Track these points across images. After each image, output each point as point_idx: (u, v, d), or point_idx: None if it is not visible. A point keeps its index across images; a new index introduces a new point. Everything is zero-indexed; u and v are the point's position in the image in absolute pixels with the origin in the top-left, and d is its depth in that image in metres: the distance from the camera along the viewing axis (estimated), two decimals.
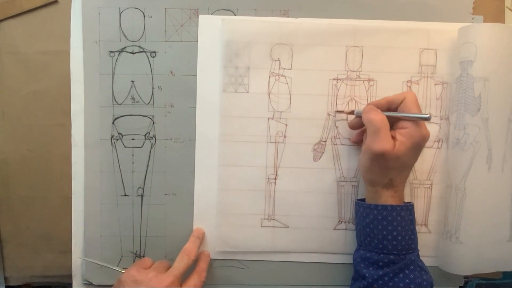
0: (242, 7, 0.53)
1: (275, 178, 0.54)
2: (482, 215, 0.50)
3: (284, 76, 0.53)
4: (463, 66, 0.50)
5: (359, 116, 0.49)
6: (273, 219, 0.54)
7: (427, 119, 0.45)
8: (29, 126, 0.55)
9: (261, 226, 0.54)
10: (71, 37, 0.54)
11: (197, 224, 0.54)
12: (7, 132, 0.55)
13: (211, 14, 0.53)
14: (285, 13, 0.53)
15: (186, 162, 0.54)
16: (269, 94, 0.53)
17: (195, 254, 0.51)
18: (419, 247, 0.48)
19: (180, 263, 0.49)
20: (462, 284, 0.55)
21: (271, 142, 0.54)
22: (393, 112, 0.47)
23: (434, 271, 0.54)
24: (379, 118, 0.45)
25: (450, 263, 0.52)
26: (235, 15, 0.53)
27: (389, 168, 0.46)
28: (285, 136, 0.54)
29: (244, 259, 0.55)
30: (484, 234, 0.50)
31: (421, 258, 0.48)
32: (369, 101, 0.53)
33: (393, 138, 0.46)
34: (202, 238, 0.54)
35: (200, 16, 0.53)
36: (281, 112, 0.53)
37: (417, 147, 0.46)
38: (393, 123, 0.47)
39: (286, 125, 0.53)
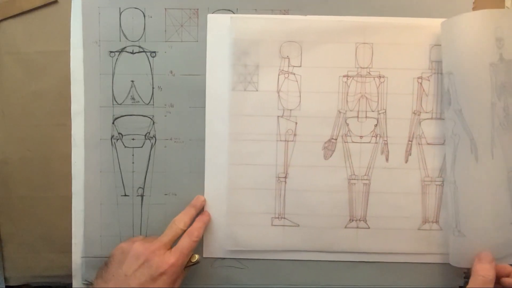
0: (242, 7, 0.53)
1: (285, 177, 0.54)
2: (480, 204, 0.50)
3: (294, 74, 0.53)
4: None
5: None
6: (284, 218, 0.54)
7: None
8: (29, 126, 0.55)
9: (272, 225, 0.54)
10: (71, 37, 0.54)
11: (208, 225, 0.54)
12: (7, 132, 0.55)
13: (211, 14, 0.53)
14: (285, 13, 0.53)
15: (186, 162, 0.54)
16: (278, 92, 0.53)
17: (186, 223, 0.50)
18: (430, 245, 0.49)
19: (169, 230, 0.50)
20: (462, 284, 0.55)
21: (281, 141, 0.53)
22: None
23: (438, 269, 0.54)
24: None
25: (457, 257, 0.52)
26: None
27: None
28: (295, 134, 0.53)
29: (254, 258, 0.55)
30: (485, 223, 0.50)
31: (431, 255, 0.49)
32: (380, 99, 0.53)
33: None
34: (199, 207, 0.53)
35: (208, 15, 0.53)
36: (290, 110, 0.53)
37: None
38: None
39: (296, 123, 0.53)
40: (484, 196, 0.50)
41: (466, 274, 0.54)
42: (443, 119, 0.53)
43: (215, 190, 0.54)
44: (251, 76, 0.53)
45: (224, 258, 0.55)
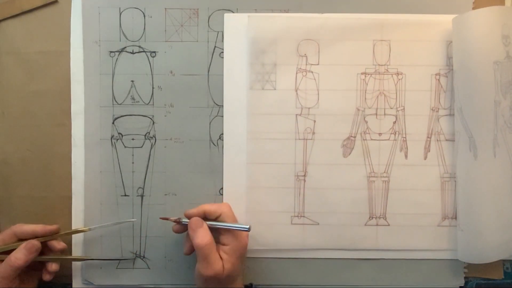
0: (242, 7, 0.53)
1: (305, 175, 0.54)
2: (479, 201, 0.50)
3: (312, 72, 0.53)
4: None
5: (185, 224, 0.49)
6: (303, 216, 0.54)
7: (248, 230, 0.47)
8: (29, 126, 0.55)
9: (291, 223, 0.54)
10: (71, 37, 0.54)
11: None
12: (7, 132, 0.55)
13: (211, 14, 0.53)
14: (285, 13, 0.53)
15: (186, 162, 0.54)
16: (296, 91, 0.53)
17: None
18: (450, 241, 0.52)
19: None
20: (462, 284, 0.55)
21: (299, 139, 0.53)
22: (216, 222, 0.49)
23: (439, 269, 0.54)
24: (205, 242, 0.46)
25: (461, 252, 0.52)
26: None
27: (223, 283, 0.47)
28: (313, 133, 0.53)
29: (275, 256, 0.54)
30: (484, 220, 0.50)
31: (451, 251, 0.52)
32: (398, 96, 0.53)
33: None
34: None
35: (225, 14, 0.53)
36: (309, 108, 0.53)
37: (241, 257, 0.49)
38: (214, 237, 0.48)
39: (315, 121, 0.53)
40: (484, 194, 0.50)
41: (466, 273, 0.54)
42: None
43: (234, 189, 0.54)
44: (268, 74, 0.53)
45: None
